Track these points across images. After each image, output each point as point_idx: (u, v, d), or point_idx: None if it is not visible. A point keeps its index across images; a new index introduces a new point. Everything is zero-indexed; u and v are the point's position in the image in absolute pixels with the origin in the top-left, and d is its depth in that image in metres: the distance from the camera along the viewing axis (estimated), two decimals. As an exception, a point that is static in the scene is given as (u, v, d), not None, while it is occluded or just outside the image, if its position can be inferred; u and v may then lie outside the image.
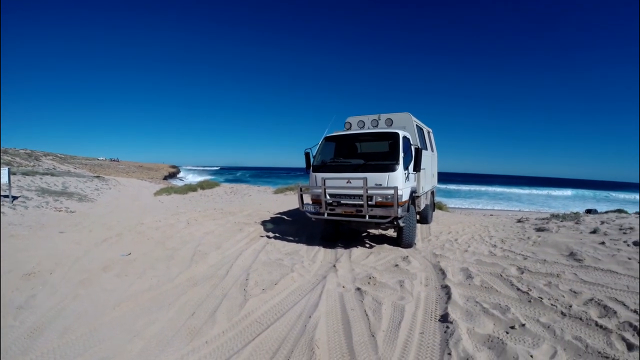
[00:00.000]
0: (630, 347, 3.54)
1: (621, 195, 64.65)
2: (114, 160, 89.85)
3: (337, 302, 5.01)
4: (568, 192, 65.95)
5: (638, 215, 9.45)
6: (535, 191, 63.67)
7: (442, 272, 6.18)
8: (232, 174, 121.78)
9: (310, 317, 4.48)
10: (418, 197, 9.20)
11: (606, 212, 13.67)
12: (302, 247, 8.24)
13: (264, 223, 11.10)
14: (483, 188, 66.29)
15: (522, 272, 6.01)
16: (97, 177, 28.68)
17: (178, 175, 78.87)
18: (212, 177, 61.89)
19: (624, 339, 3.67)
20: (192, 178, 70.04)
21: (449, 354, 3.56)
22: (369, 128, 9.29)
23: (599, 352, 3.45)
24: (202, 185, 24.69)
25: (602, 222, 9.67)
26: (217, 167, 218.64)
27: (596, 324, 4.03)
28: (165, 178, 60.03)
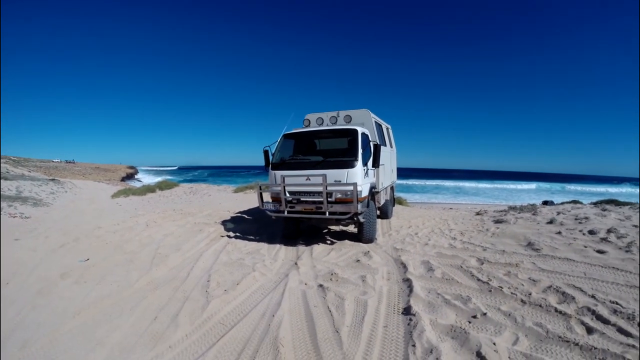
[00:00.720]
0: (589, 330, 3.62)
1: (579, 187, 67.11)
2: (69, 162, 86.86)
3: (300, 300, 4.96)
4: (532, 185, 67.95)
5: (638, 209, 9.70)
6: (498, 185, 65.41)
7: (404, 266, 6.18)
8: (191, 173, 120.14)
9: (273, 315, 4.42)
10: (378, 192, 9.25)
11: (562, 204, 14.15)
12: (263, 246, 8.14)
13: (224, 223, 10.91)
14: (444, 183, 67.59)
15: (482, 263, 6.08)
16: (53, 180, 27.59)
17: (136, 176, 76.94)
18: (171, 177, 60.73)
19: (583, 323, 3.75)
20: (150, 178, 68.50)
21: (413, 345, 3.57)
22: (327, 125, 9.29)
23: (560, 337, 3.51)
24: (161, 186, 24.09)
25: (558, 213, 9.95)
26: (175, 166, 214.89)
27: (555, 310, 4.10)
28: (123, 179, 58.38)
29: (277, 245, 8.13)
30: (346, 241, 8.28)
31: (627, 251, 5.95)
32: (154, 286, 5.69)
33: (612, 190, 60.81)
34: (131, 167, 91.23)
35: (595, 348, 3.28)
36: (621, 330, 3.58)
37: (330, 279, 5.70)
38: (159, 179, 52.45)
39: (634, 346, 3.30)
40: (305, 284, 5.58)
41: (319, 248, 7.74)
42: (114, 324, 4.42)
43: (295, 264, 6.64)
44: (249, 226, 10.49)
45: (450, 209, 19.13)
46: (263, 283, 5.73)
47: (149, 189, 22.51)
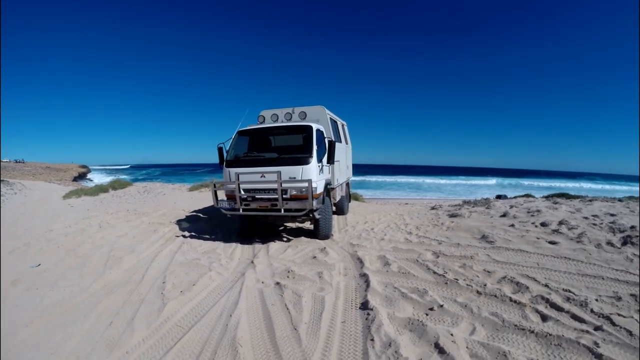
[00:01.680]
0: (544, 318, 3.70)
1: (534, 182, 69.37)
2: (19, 162, 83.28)
3: (257, 299, 4.90)
4: (492, 181, 69.60)
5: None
6: (457, 181, 66.50)
7: (360, 261, 6.17)
8: (144, 171, 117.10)
9: (231, 315, 4.33)
10: (333, 189, 9.26)
11: (515, 197, 14.60)
12: (219, 245, 7.98)
13: (179, 222, 10.66)
14: (403, 179, 68.32)
15: (438, 256, 6.14)
16: (1, 181, 26.47)
17: (88, 176, 74.49)
18: (124, 177, 59.05)
19: (537, 311, 3.84)
20: (103, 178, 66.48)
21: (372, 340, 3.56)
22: (282, 121, 9.19)
23: (515, 325, 3.57)
24: (114, 185, 23.33)
25: (511, 206, 10.21)
26: (127, 165, 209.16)
27: (510, 299, 4.18)
28: (75, 179, 56.34)
29: (233, 244, 8.00)
30: (302, 238, 8.23)
31: (578, 242, 6.15)
32: (109, 290, 5.48)
33: (570, 185, 63.28)
34: (83, 167, 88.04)
35: (551, 335, 3.37)
36: (575, 317, 3.68)
37: (287, 277, 5.64)
38: (112, 178, 50.95)
39: (587, 331, 3.39)
40: (262, 283, 5.51)
41: (275, 246, 7.65)
42: (69, 332, 4.24)
43: (252, 262, 6.53)
44: (204, 225, 10.28)
45: (406, 204, 19.39)
46: (220, 283, 5.61)
47: (101, 189, 21.79)
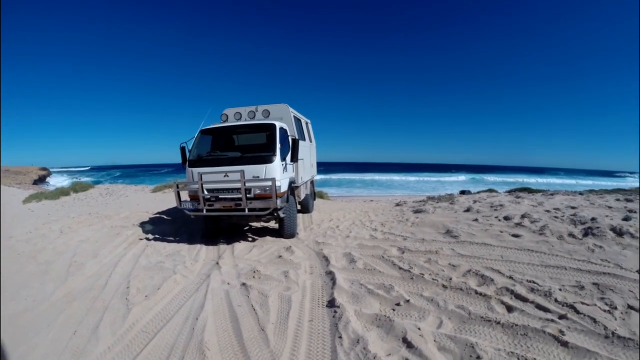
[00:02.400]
0: (509, 309, 3.75)
1: (501, 178, 70.47)
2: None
3: (223, 300, 4.84)
4: (462, 177, 70.27)
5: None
6: (424, 177, 66.97)
7: (326, 259, 6.15)
8: (105, 173, 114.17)
9: (197, 319, 4.27)
10: (297, 187, 9.24)
11: (478, 192, 14.91)
12: (183, 247, 7.85)
13: (142, 225, 10.42)
14: (367, 176, 68.22)
15: (403, 252, 6.16)
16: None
17: (48, 178, 72.26)
18: (86, 179, 57.51)
19: (503, 303, 3.89)
20: (64, 180, 64.62)
21: (340, 337, 3.57)
22: (245, 120, 9.14)
23: (482, 317, 3.61)
24: (75, 188, 22.64)
25: (475, 201, 10.37)
26: (88, 166, 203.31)
27: (476, 292, 4.23)
28: (35, 182, 54.56)
29: (198, 246, 7.86)
30: (267, 237, 8.15)
31: (540, 234, 6.27)
32: (72, 297, 5.31)
33: (535, 180, 64.74)
34: (44, 169, 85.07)
35: (517, 325, 3.43)
36: (539, 307, 3.75)
37: (253, 277, 5.59)
38: (72, 180, 49.49)
39: (552, 320, 3.45)
40: (228, 284, 5.46)
41: (240, 246, 7.57)
42: (32, 343, 4.12)
43: (217, 263, 6.43)
44: (168, 227, 10.05)
45: (372, 201, 19.55)
46: (185, 285, 5.51)
47: (62, 192, 21.12)
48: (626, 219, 6.60)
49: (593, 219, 6.70)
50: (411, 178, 65.91)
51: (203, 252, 7.39)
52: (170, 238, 8.77)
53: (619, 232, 5.86)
